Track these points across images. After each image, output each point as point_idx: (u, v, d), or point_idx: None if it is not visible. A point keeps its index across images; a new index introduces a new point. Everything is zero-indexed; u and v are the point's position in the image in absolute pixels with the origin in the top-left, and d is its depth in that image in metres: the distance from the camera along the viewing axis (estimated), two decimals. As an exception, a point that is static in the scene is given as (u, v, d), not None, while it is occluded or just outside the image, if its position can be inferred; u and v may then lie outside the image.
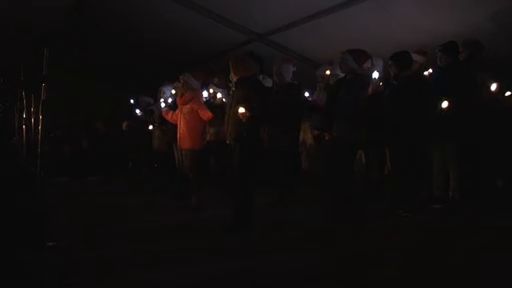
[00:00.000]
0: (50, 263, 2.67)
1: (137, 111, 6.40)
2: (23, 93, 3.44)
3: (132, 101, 6.89)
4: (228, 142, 3.76)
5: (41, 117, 3.17)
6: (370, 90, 3.78)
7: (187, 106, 4.55)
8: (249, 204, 3.58)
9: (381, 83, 3.94)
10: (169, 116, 4.93)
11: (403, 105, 3.82)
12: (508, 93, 3.98)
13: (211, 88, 5.42)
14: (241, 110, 3.46)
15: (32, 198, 3.13)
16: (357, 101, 3.68)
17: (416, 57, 4.21)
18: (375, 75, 3.84)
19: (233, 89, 3.76)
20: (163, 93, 5.68)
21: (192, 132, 4.51)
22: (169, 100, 5.47)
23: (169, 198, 5.12)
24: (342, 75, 4.49)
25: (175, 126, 4.73)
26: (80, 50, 7.05)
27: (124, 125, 8.05)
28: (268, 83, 4.84)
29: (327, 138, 3.99)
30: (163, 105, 5.35)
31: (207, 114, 4.50)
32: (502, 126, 4.00)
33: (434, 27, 4.57)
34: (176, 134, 4.68)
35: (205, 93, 5.13)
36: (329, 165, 4.40)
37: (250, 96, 3.52)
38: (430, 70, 4.34)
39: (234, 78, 3.73)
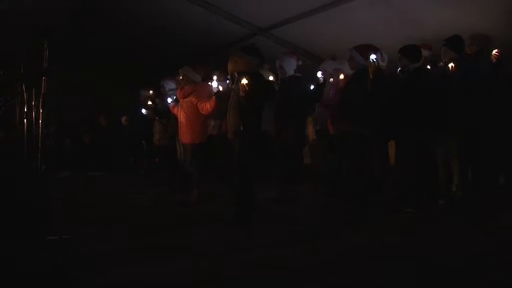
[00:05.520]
0: (51, 257, 2.67)
1: (143, 111, 6.17)
2: (23, 87, 3.42)
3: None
4: (228, 136, 3.75)
5: (41, 110, 3.15)
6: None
7: (187, 100, 4.53)
8: (250, 199, 3.57)
9: None
10: (175, 110, 4.85)
11: (410, 99, 3.80)
12: None
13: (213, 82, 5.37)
14: (244, 81, 3.41)
15: (33, 192, 3.12)
16: (366, 96, 3.65)
17: (422, 51, 4.17)
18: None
19: (235, 84, 3.73)
20: (163, 87, 5.66)
21: (192, 125, 4.49)
22: (171, 97, 5.38)
23: (170, 192, 5.12)
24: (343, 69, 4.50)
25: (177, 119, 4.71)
26: (80, 43, 7.01)
27: (123, 119, 8.04)
28: (268, 75, 4.80)
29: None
30: (169, 100, 5.19)
31: (205, 107, 4.38)
32: (505, 122, 3.99)
33: (438, 21, 4.53)
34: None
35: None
36: (336, 161, 4.41)
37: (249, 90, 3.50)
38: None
39: (234, 73, 3.71)
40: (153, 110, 5.86)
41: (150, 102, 5.99)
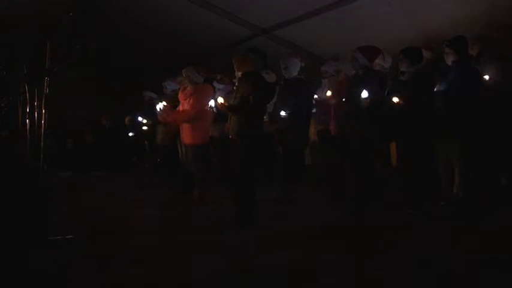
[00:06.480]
0: (52, 257, 2.68)
1: (139, 119, 6.29)
2: (26, 87, 3.44)
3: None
4: (230, 137, 3.76)
5: (43, 111, 3.17)
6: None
7: (189, 100, 4.54)
8: (251, 200, 3.57)
9: None
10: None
11: (411, 100, 3.78)
12: None
13: (214, 84, 5.40)
14: (220, 100, 3.60)
15: (34, 192, 3.13)
16: (370, 98, 3.64)
17: (424, 52, 4.16)
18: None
19: (237, 84, 3.75)
20: (166, 88, 5.68)
21: (194, 126, 4.49)
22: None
23: (171, 193, 5.13)
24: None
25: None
26: (82, 44, 7.03)
27: (126, 119, 8.05)
28: (271, 78, 4.81)
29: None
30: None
31: (188, 112, 4.45)
32: (507, 123, 3.97)
33: (440, 22, 4.52)
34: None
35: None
36: (339, 163, 4.41)
37: (251, 91, 3.52)
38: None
39: (237, 73, 3.72)
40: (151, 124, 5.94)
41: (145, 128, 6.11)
